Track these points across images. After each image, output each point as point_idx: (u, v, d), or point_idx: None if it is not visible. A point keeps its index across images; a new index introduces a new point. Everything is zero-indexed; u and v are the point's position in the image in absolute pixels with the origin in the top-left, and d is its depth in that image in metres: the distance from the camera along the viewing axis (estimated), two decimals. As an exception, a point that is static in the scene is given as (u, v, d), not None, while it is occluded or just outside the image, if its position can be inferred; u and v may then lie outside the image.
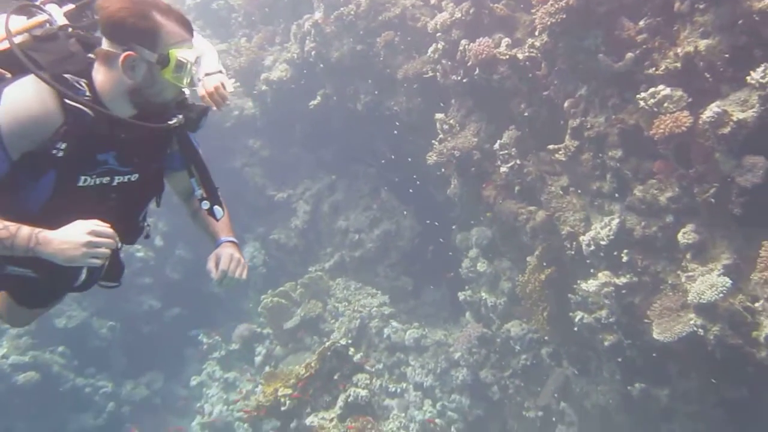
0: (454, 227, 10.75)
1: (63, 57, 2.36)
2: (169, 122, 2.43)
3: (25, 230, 2.27)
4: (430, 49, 9.11)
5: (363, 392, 8.27)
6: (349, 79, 11.19)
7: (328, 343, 8.71)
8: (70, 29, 2.52)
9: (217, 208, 2.71)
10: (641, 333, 7.24)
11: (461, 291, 10.52)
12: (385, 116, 10.83)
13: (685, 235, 6.58)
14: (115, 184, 2.51)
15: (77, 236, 2.29)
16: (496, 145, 8.05)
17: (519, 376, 9.91)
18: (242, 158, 13.79)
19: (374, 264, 12.48)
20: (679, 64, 6.42)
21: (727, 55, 6.08)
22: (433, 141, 9.07)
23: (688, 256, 6.66)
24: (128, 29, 2.28)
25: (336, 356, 8.37)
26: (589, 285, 7.35)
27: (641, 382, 7.60)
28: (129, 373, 12.78)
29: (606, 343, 7.70)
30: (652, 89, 6.46)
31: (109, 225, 2.42)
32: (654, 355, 7.25)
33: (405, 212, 12.10)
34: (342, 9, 10.44)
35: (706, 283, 6.28)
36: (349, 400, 8.20)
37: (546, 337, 8.90)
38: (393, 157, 11.32)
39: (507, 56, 7.81)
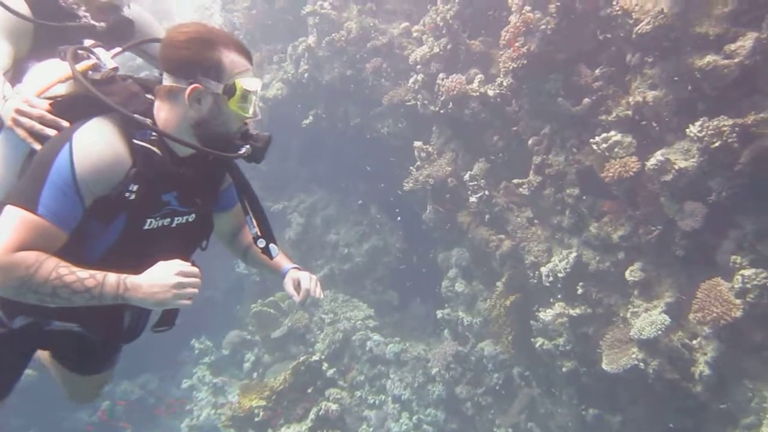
0: (432, 250, 11.13)
1: (126, 98, 2.34)
2: (239, 152, 2.40)
3: (112, 277, 2.24)
4: (411, 80, 9.52)
5: (334, 406, 8.70)
6: (339, 101, 11.62)
7: (302, 358, 9.13)
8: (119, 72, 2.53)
9: (272, 246, 2.70)
10: (595, 362, 7.61)
11: (440, 309, 10.90)
12: (373, 138, 11.25)
13: (632, 273, 6.96)
14: (174, 225, 2.49)
15: (166, 278, 2.26)
16: (467, 176, 8.44)
17: (491, 394, 10.28)
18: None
19: (362, 278, 12.90)
20: (630, 112, 6.79)
21: (671, 107, 6.46)
22: (411, 168, 9.48)
23: (635, 292, 7.03)
24: (193, 62, 2.27)
25: (309, 371, 8.80)
26: (546, 314, 7.73)
27: (595, 408, 7.97)
28: (125, 374, 13.27)
29: (564, 369, 8.09)
30: (604, 134, 6.84)
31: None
32: (606, 383, 7.61)
33: (391, 229, 12.47)
34: (333, 35, 10.85)
35: (647, 320, 6.67)
36: (320, 413, 8.63)
37: (511, 360, 9.26)
38: (381, 177, 11.71)
39: (478, 93, 8.20)
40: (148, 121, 2.32)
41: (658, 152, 6.51)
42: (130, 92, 2.38)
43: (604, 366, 7.16)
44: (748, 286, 6.03)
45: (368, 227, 12.95)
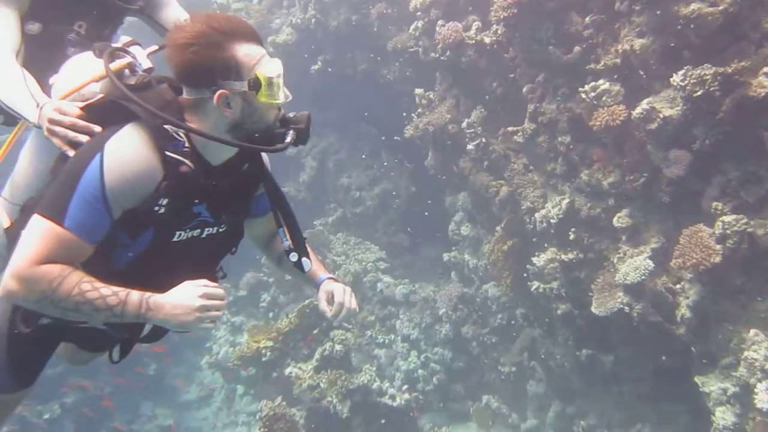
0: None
1: (160, 106, 2.20)
2: (286, 140, 2.30)
3: (135, 296, 2.16)
4: (411, 27, 9.57)
5: (339, 347, 9.08)
6: (347, 46, 11.70)
7: (307, 301, 9.49)
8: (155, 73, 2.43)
9: (305, 260, 2.63)
10: (587, 305, 7.82)
11: (447, 252, 11.15)
12: (380, 83, 11.35)
13: (620, 219, 7.11)
14: (204, 236, 2.41)
15: (190, 300, 2.17)
16: (464, 124, 8.56)
17: (496, 334, 10.59)
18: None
19: (373, 221, 13.18)
20: (618, 61, 6.84)
21: (658, 55, 6.50)
22: (412, 114, 9.61)
23: (623, 238, 7.19)
24: (209, 69, 2.16)
25: (314, 313, 9.16)
26: (540, 259, 7.93)
27: (588, 348, 8.23)
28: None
29: (559, 312, 8.33)
30: (593, 83, 6.91)
31: (214, 284, 2.31)
32: (598, 325, 7.85)
33: (401, 174, 12.66)
34: (338, -20, 10.90)
35: (632, 265, 6.85)
36: (325, 353, 9.02)
37: (511, 302, 9.53)
38: (391, 122, 11.83)
39: (474, 41, 8.26)
40: (182, 132, 2.21)
41: (645, 101, 6.58)
42: (164, 100, 2.25)
43: (593, 309, 7.39)
44: (728, 231, 6.17)
45: (378, 171, 13.15)
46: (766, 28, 6.06)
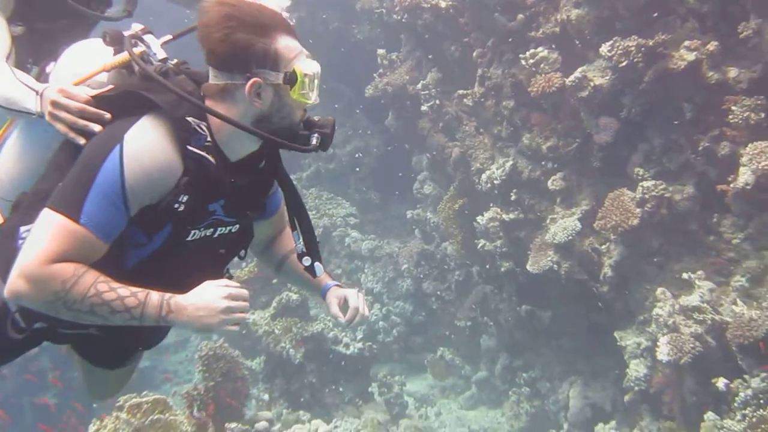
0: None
1: (181, 98, 2.07)
2: (312, 143, 2.17)
3: (155, 297, 2.01)
4: (374, -12, 9.82)
5: (294, 296, 9.50)
6: (320, 6, 11.93)
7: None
8: (171, 63, 2.26)
9: (318, 265, 2.48)
10: (527, 263, 8.22)
11: (410, 209, 11.53)
12: (351, 42, 11.61)
13: (554, 182, 7.47)
14: (216, 236, 2.27)
15: (214, 302, 2.02)
16: (419, 85, 8.86)
17: (453, 290, 11.02)
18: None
19: (346, 177, 13.53)
20: (557, 29, 7.12)
21: (593, 25, 6.80)
22: (374, 74, 9.90)
23: (557, 200, 7.56)
24: (246, 54, 2.01)
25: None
26: (483, 218, 8.31)
27: (528, 304, 8.65)
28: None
29: (503, 269, 8.73)
30: (532, 50, 7.20)
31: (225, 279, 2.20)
32: (537, 282, 8.25)
33: (373, 132, 12.98)
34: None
35: (561, 225, 7.23)
36: (282, 302, 9.46)
37: (462, 258, 9.93)
38: (363, 81, 12.09)
39: (429, 5, 8.52)
40: (204, 125, 2.08)
41: (578, 69, 6.89)
42: (185, 90, 2.09)
43: (528, 267, 7.79)
44: (647, 196, 6.54)
45: (351, 129, 13.45)
46: (691, 3, 6.36)
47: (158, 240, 2.13)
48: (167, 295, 2.03)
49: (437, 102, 8.80)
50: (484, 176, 8.34)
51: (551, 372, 9.18)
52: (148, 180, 2.00)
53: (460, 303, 10.98)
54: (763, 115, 5.90)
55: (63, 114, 2.13)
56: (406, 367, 11.29)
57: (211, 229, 2.24)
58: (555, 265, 7.37)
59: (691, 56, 6.18)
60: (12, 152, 2.41)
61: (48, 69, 2.41)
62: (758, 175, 5.64)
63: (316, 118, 2.22)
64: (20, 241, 2.12)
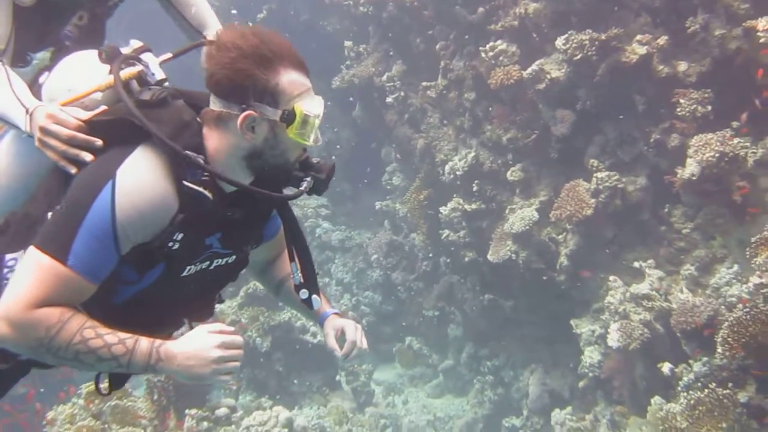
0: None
1: (178, 128, 1.96)
2: (300, 187, 2.05)
3: (144, 344, 1.90)
4: (342, -19, 9.90)
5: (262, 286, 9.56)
6: (289, -1, 12.02)
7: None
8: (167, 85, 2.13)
9: (315, 298, 2.37)
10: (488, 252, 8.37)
11: (379, 201, 11.65)
12: (321, 35, 11.67)
13: (513, 173, 7.61)
14: (212, 268, 2.16)
15: (206, 351, 1.91)
16: (384, 77, 8.97)
17: (422, 280, 11.15)
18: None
19: (318, 169, 13.58)
20: (516, 23, 7.24)
21: (549, 19, 6.92)
22: (341, 66, 9.99)
23: (517, 191, 7.71)
24: (245, 84, 1.89)
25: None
26: (446, 208, 8.44)
27: (490, 293, 8.80)
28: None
29: (466, 259, 8.87)
30: (492, 43, 7.33)
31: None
32: (499, 271, 8.39)
33: (344, 123, 13.03)
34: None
35: (519, 215, 7.37)
36: (249, 291, 9.54)
37: (427, 248, 10.06)
38: (332, 73, 12.18)
39: (393, -2, 8.63)
40: (201, 158, 1.94)
41: (536, 62, 7.02)
42: (182, 121, 1.98)
43: (488, 256, 7.94)
44: (601, 187, 6.69)
45: (324, 119, 13.49)
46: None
47: (150, 278, 2.02)
48: (157, 342, 1.91)
49: (402, 94, 8.91)
50: (447, 167, 8.46)
51: (515, 360, 9.36)
52: (141, 219, 1.88)
53: (428, 293, 11.12)
54: (709, 107, 6.06)
55: (53, 142, 2.01)
56: (374, 356, 11.41)
57: (207, 262, 2.12)
58: (513, 255, 7.52)
59: (642, 50, 6.34)
60: (2, 161, 2.26)
61: (41, 79, 2.27)
62: (703, 167, 5.79)
63: (315, 160, 2.10)
64: (5, 270, 2.06)
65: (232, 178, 1.96)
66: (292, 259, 2.32)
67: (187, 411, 6.57)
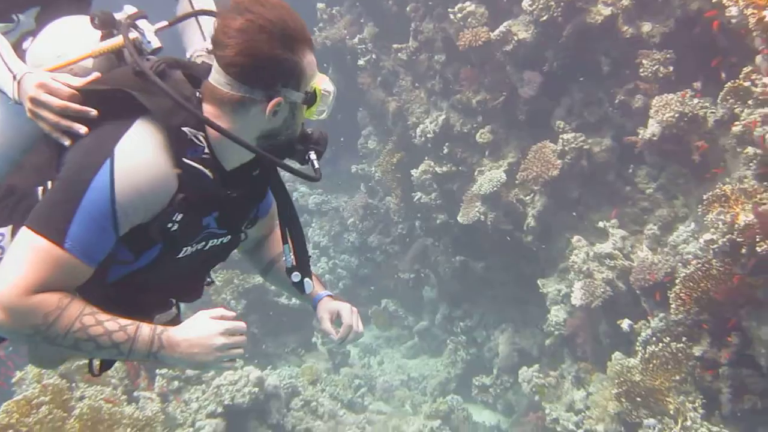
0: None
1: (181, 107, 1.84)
2: (315, 166, 2.03)
3: (146, 331, 1.83)
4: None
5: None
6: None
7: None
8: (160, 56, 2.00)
9: (307, 281, 2.30)
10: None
11: (355, 164, 11.68)
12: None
13: (482, 135, 7.66)
14: (207, 248, 2.08)
15: (209, 338, 1.86)
16: (356, 39, 8.94)
17: (397, 243, 11.24)
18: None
19: (294, 133, 13.57)
20: (484, -17, 7.23)
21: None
22: (314, 28, 9.94)
23: (486, 153, 7.76)
24: (274, 69, 1.80)
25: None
26: (416, 171, 8.50)
27: (462, 255, 8.90)
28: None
29: (438, 221, 8.96)
30: (460, 5, 7.32)
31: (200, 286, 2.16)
32: (470, 233, 8.49)
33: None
34: None
35: (487, 177, 7.43)
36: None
37: (403, 212, 10.14)
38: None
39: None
40: (201, 135, 1.86)
41: (504, 24, 7.02)
42: (183, 96, 1.85)
43: (459, 218, 8.02)
44: (566, 148, 6.76)
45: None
46: (609, -42, 6.49)
47: (146, 258, 1.94)
48: (159, 328, 1.85)
49: (374, 56, 8.89)
50: (418, 130, 8.50)
51: (487, 321, 9.51)
52: (141, 200, 1.79)
53: (404, 256, 11.22)
54: (671, 68, 6.12)
55: (44, 113, 1.90)
56: (351, 318, 11.53)
57: (203, 243, 2.04)
58: (482, 216, 7.60)
59: (607, 11, 6.36)
60: None
61: (25, 45, 2.15)
62: (663, 127, 5.86)
63: (309, 131, 2.03)
64: None
65: (222, 156, 1.90)
66: (285, 241, 2.25)
67: (158, 371, 6.66)
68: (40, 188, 1.91)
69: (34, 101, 1.90)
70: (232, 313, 1.92)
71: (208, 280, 2.31)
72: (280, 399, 7.43)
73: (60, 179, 1.80)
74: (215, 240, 2.07)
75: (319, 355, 10.05)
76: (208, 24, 2.21)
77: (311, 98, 1.85)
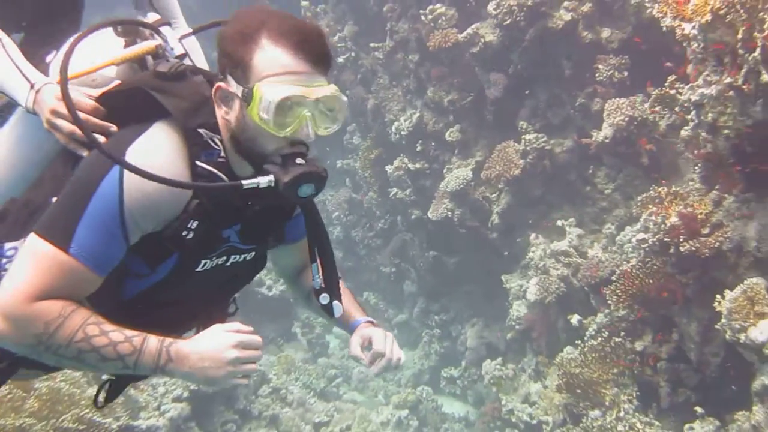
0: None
1: (196, 105, 1.78)
2: (256, 179, 1.76)
3: (153, 343, 1.71)
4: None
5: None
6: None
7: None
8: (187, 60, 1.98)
9: (336, 304, 2.15)
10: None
11: (340, 159, 11.90)
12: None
13: (451, 134, 7.88)
14: (228, 264, 1.96)
15: (221, 351, 1.72)
16: (336, 37, 9.17)
17: (380, 237, 11.45)
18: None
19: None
20: (454, -14, 7.45)
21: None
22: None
23: (456, 151, 7.98)
24: (227, 53, 1.73)
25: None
26: (390, 167, 8.72)
27: (435, 250, 9.12)
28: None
29: (413, 217, 9.18)
30: (431, 6, 7.54)
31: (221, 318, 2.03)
32: (443, 228, 8.69)
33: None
34: None
35: (455, 174, 7.65)
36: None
37: (381, 207, 10.36)
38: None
39: (344, -41, 8.79)
40: (217, 138, 1.78)
41: (472, 26, 7.24)
42: (201, 96, 1.80)
43: (429, 214, 8.24)
44: (529, 148, 6.97)
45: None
46: (573, -35, 6.70)
47: (163, 271, 1.83)
48: (167, 340, 1.72)
49: (353, 54, 9.11)
50: (393, 127, 8.72)
51: (461, 315, 9.71)
52: (151, 204, 1.69)
53: (385, 250, 11.43)
54: (626, 73, 6.32)
55: (62, 123, 1.83)
56: (333, 311, 11.75)
57: (224, 257, 1.92)
58: (449, 213, 7.82)
59: (568, 16, 6.56)
60: (4, 142, 2.07)
61: (48, 58, 2.07)
62: (615, 130, 6.07)
63: (298, 161, 1.72)
64: (4, 260, 1.87)
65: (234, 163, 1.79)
66: (313, 260, 2.11)
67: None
68: (54, 198, 1.79)
69: (55, 113, 1.84)
70: (249, 328, 1.79)
71: (233, 307, 2.22)
72: (248, 385, 7.66)
73: (69, 183, 1.73)
74: (237, 256, 1.96)
75: (298, 345, 10.28)
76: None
77: (247, 96, 1.68)
